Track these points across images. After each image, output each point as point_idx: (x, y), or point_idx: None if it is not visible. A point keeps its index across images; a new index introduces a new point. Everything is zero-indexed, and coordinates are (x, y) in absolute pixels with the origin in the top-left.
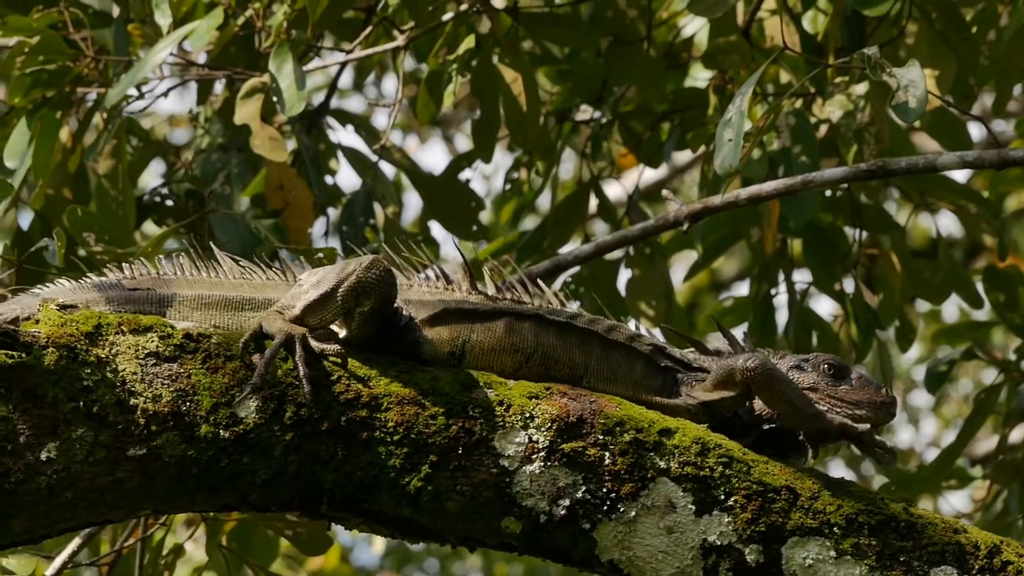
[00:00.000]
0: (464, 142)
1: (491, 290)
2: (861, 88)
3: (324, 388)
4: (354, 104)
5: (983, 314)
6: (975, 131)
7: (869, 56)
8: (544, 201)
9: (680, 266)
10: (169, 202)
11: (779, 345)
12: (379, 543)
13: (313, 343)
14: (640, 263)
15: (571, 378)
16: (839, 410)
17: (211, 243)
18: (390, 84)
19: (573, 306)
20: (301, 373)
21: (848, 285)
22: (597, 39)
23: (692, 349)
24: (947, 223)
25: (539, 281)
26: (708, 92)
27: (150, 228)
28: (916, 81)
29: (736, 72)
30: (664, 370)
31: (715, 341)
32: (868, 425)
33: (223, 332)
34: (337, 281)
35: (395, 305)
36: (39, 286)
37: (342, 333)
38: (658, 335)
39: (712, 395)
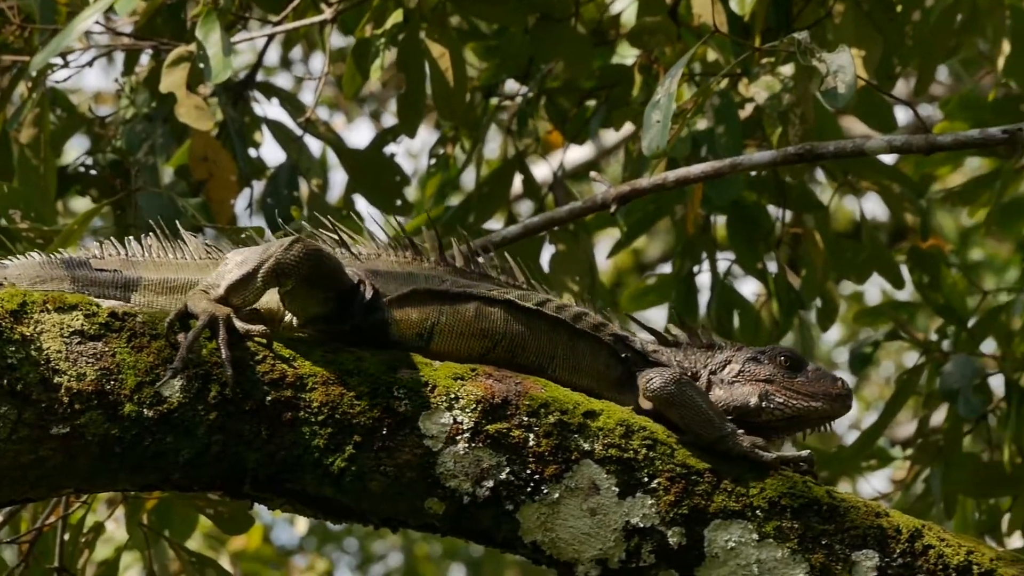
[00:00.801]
0: (391, 121)
1: (459, 262)
2: (787, 69)
3: (248, 368)
4: (281, 82)
5: (905, 294)
6: (900, 112)
7: (799, 40)
8: (469, 178)
9: (605, 243)
10: (93, 172)
11: (700, 323)
12: (301, 523)
13: (238, 323)
14: (564, 239)
15: (537, 366)
16: (795, 401)
17: (152, 221)
18: (317, 62)
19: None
20: (224, 356)
21: (771, 264)
22: (525, 15)
23: (652, 339)
24: (872, 206)
25: (508, 256)
26: (634, 71)
27: (75, 202)
28: (845, 67)
29: (662, 52)
30: (623, 361)
31: (675, 330)
32: (774, 455)
33: (149, 312)
34: (259, 262)
35: (354, 281)
36: (9, 258)
37: (286, 315)
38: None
39: (647, 405)
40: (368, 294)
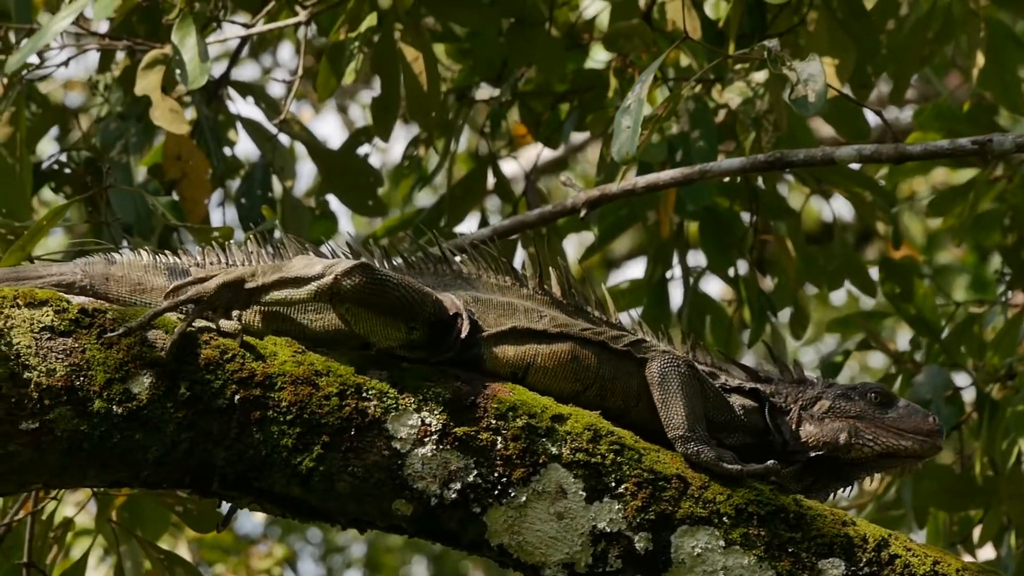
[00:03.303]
0: (358, 112)
1: (557, 291)
2: (761, 75)
3: (218, 366)
4: (248, 71)
5: (873, 300)
6: (873, 117)
7: (770, 48)
8: (441, 178)
9: (574, 240)
10: (67, 170)
11: (672, 327)
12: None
13: (222, 320)
14: (536, 243)
15: (623, 409)
16: (885, 439)
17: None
18: (286, 51)
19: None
20: (176, 330)
21: (743, 269)
22: (499, 19)
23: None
24: (839, 206)
25: (605, 291)
26: (608, 74)
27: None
28: (816, 75)
29: (637, 56)
30: None
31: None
32: (739, 467)
33: (119, 308)
34: (318, 274)
35: (452, 311)
36: (116, 252)
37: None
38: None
39: None
40: (466, 328)
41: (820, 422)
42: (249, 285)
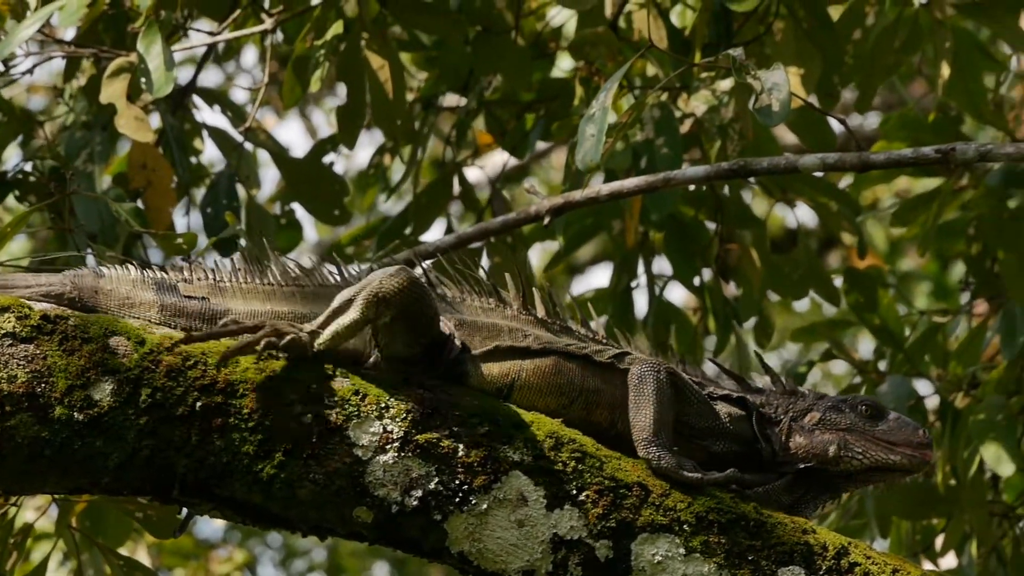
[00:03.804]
0: (321, 117)
1: (541, 312)
2: (726, 84)
3: (180, 373)
4: (213, 77)
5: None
6: (838, 125)
7: (735, 57)
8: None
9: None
10: (32, 178)
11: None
12: None
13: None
14: (501, 251)
15: (611, 422)
16: (874, 452)
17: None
18: (250, 55)
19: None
20: (241, 339)
21: (708, 277)
22: (465, 27)
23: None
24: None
25: (591, 308)
26: (574, 83)
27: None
28: (780, 85)
29: (603, 64)
30: None
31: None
32: (699, 475)
33: (81, 315)
34: (359, 289)
35: (447, 332)
36: (106, 266)
37: (373, 353)
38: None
39: None
40: (455, 349)
41: (810, 434)
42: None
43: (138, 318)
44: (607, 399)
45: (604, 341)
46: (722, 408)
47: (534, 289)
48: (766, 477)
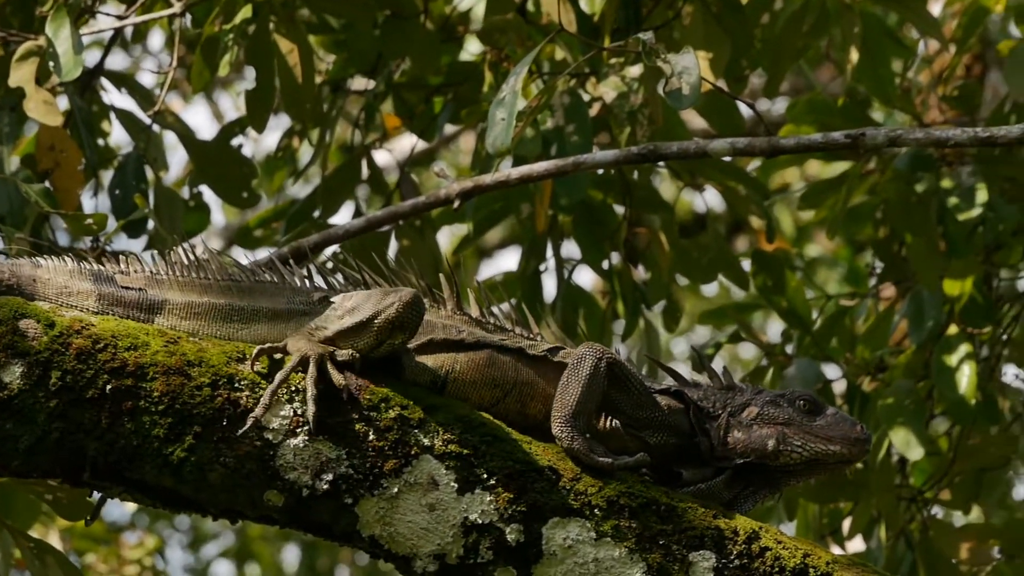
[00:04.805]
0: (228, 101)
1: (475, 312)
2: (636, 70)
3: (91, 356)
4: (121, 60)
5: (743, 292)
6: (747, 110)
7: (644, 41)
8: (314, 169)
9: (447, 232)
10: None
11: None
12: None
13: (334, 374)
14: (410, 234)
15: (544, 415)
16: (813, 445)
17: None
18: (156, 38)
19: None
20: (309, 393)
21: (616, 261)
22: (374, 11)
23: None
24: (710, 197)
25: (523, 307)
26: (483, 67)
27: None
28: (690, 68)
29: (512, 49)
30: None
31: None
32: (609, 459)
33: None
34: (375, 312)
35: None
36: (40, 257)
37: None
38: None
39: None
40: None
41: (748, 428)
42: (318, 337)
43: (75, 307)
44: (541, 392)
45: (538, 337)
46: (661, 400)
47: (468, 290)
48: (704, 472)
